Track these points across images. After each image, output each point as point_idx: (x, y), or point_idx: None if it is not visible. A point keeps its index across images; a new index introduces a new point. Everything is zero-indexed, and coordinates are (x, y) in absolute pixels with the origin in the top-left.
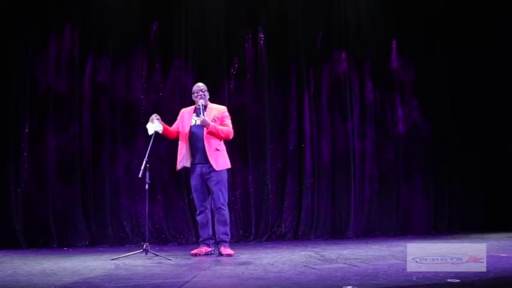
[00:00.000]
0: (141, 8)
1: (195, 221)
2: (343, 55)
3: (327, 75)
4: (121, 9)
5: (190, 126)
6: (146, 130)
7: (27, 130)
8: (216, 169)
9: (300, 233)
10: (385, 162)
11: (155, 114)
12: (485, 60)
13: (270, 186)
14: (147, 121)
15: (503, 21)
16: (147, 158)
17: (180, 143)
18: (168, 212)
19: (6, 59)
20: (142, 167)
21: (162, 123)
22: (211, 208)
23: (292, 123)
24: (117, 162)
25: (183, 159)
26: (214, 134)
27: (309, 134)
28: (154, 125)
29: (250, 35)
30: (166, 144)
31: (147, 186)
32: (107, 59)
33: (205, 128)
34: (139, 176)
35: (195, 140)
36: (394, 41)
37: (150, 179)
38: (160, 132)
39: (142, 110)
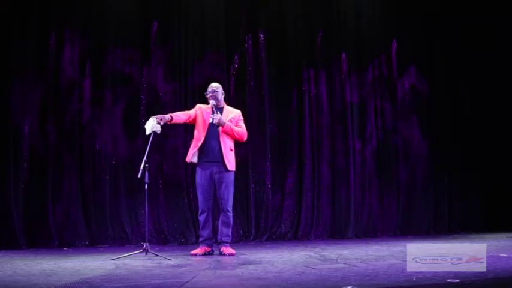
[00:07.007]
0: (141, 8)
1: (195, 221)
2: (343, 55)
3: (326, 75)
4: (121, 9)
5: (209, 124)
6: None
7: (27, 130)
8: (229, 169)
9: (300, 233)
10: (385, 162)
11: (155, 116)
12: (485, 59)
13: (270, 186)
14: (146, 120)
15: (503, 21)
16: (146, 158)
17: (196, 136)
18: (168, 212)
19: (6, 59)
20: (141, 167)
21: (166, 117)
22: (213, 209)
23: (292, 123)
24: (118, 161)
25: (195, 154)
26: (229, 134)
27: (309, 133)
28: (152, 126)
29: (250, 35)
30: (166, 144)
31: (146, 186)
32: (107, 59)
33: (220, 127)
34: (139, 176)
35: (211, 138)
36: (394, 41)
37: (149, 179)
38: (159, 132)
39: (142, 109)
